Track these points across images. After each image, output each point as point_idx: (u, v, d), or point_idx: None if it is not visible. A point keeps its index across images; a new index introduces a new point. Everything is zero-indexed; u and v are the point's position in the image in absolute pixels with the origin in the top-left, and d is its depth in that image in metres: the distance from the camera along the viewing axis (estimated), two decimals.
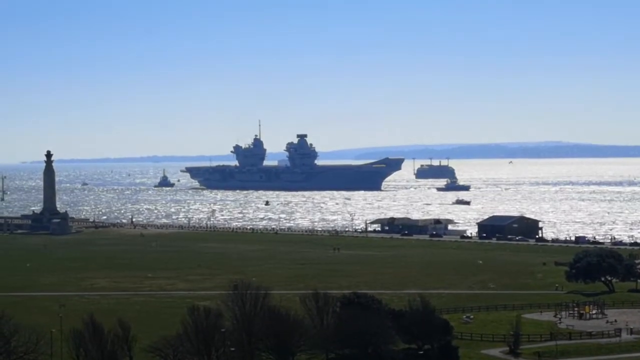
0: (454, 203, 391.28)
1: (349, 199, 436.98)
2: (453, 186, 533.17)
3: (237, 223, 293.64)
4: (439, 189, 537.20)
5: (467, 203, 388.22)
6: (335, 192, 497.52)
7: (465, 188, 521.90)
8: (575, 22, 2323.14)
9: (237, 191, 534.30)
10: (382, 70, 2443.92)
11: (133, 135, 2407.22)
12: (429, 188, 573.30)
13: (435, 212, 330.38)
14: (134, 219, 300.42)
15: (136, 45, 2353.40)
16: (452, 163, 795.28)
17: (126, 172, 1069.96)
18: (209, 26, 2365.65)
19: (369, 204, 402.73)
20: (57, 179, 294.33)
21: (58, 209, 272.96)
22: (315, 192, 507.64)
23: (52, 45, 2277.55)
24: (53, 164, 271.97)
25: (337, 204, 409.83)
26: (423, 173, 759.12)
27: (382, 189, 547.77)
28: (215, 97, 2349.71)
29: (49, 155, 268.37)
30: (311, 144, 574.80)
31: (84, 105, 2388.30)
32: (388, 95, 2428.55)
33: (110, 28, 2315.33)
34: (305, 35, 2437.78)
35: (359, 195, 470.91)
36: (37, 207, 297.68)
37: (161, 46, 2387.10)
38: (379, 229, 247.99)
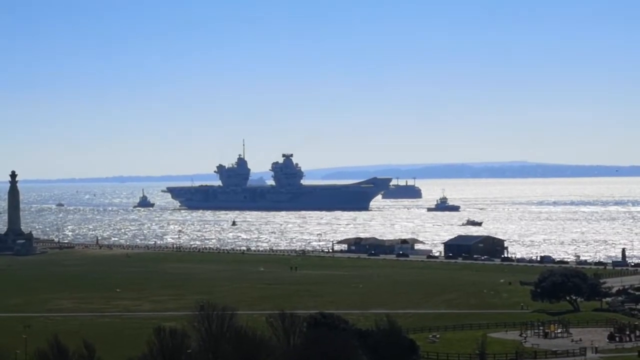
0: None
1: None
2: (443, 206, 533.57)
3: (207, 243, 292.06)
4: (429, 209, 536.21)
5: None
6: (319, 213, 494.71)
7: (456, 208, 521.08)
8: (539, 44, 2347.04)
9: (220, 212, 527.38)
10: (347, 93, 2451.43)
11: (99, 155, 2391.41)
12: (411, 208, 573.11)
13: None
14: (99, 239, 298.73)
15: (105, 62, 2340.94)
16: (419, 183, 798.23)
17: (92, 193, 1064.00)
18: (189, 41, 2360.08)
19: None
20: (29, 199, 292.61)
21: (25, 229, 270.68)
22: (301, 212, 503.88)
23: (15, 63, 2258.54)
24: (18, 184, 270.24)
25: (319, 224, 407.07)
26: (390, 193, 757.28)
27: (370, 209, 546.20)
28: (192, 118, 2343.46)
29: (13, 175, 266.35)
30: (297, 164, 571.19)
31: (48, 125, 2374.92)
32: (352, 116, 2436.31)
33: (79, 45, 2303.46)
34: (287, 54, 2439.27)
35: (348, 215, 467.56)
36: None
37: (134, 64, 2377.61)
38: (346, 248, 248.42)
